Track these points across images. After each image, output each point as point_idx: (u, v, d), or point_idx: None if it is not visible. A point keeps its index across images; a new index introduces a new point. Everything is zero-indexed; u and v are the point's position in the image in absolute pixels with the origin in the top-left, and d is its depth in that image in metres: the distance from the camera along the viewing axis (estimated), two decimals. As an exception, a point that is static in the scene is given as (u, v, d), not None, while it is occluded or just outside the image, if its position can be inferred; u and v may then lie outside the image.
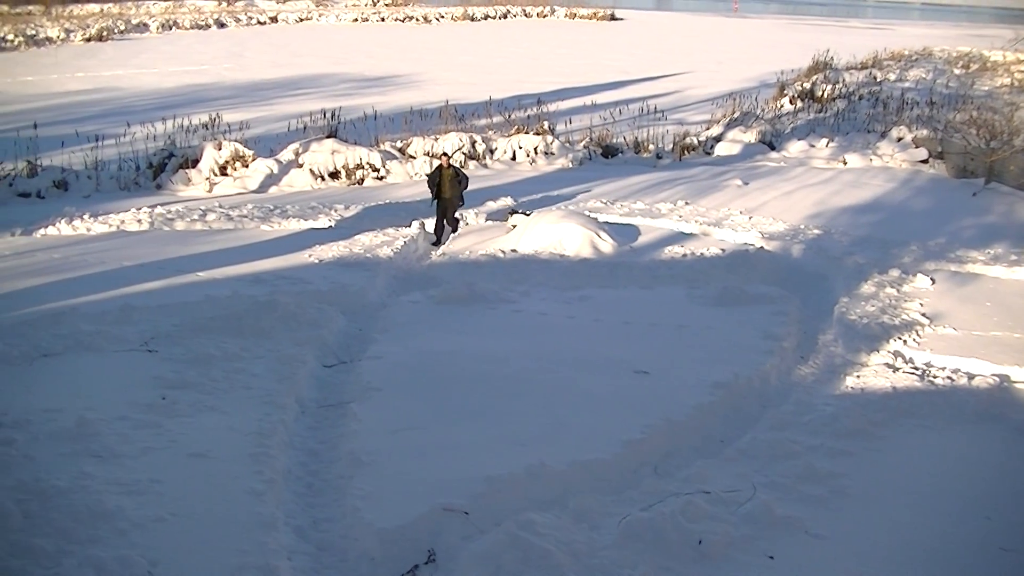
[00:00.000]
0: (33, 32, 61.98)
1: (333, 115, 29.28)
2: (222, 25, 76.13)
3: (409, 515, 9.11)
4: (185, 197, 24.29)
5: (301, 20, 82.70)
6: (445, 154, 21.28)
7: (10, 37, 59.14)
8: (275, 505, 9.37)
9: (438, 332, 14.65)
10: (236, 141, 26.58)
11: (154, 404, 11.40)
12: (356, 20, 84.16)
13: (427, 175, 21.46)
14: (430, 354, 13.61)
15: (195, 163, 25.69)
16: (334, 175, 26.16)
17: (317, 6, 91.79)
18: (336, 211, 22.20)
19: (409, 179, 26.54)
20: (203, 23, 74.88)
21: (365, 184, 26.06)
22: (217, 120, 30.49)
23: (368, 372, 12.95)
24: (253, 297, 15.41)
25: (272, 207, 22.59)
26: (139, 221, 20.94)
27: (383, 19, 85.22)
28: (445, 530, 9.00)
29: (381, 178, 26.47)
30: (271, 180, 25.62)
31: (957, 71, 50.37)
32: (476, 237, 20.29)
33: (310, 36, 68.79)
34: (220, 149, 25.96)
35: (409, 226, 20.62)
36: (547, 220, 19.92)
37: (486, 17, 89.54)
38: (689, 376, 12.97)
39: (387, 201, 23.42)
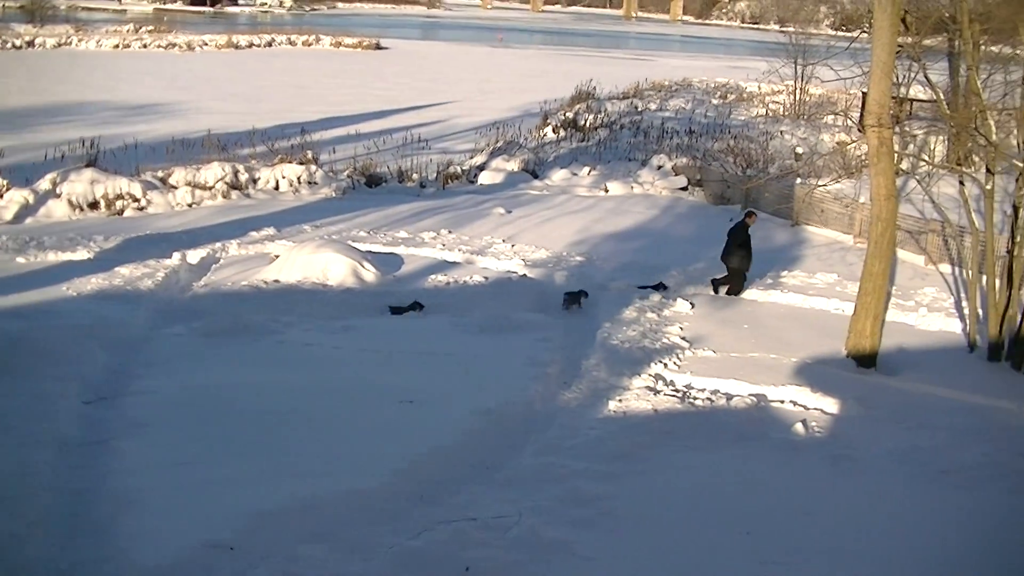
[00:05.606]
0: None
1: (93, 144, 28.30)
2: (-31, 49, 72.53)
3: (176, 553, 8.87)
4: (-69, 229, 22.93)
5: (60, 45, 79.28)
6: (752, 212, 20.74)
7: None
8: (37, 549, 8.90)
9: (204, 365, 14.31)
10: (-13, 170, 25.30)
11: None
12: (117, 46, 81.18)
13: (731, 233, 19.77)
14: (197, 388, 13.27)
15: (-59, 194, 24.29)
16: (94, 205, 25.18)
17: (76, 31, 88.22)
18: (95, 242, 21.33)
19: (170, 209, 25.80)
20: (-52, 46, 71.17)
21: (126, 215, 25.15)
22: (-33, 148, 29.02)
23: (133, 408, 12.53)
24: (7, 332, 14.65)
25: (28, 239, 21.49)
26: None
27: (145, 46, 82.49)
28: (215, 567, 8.76)
29: (142, 208, 25.61)
30: (27, 211, 24.39)
31: (715, 101, 52.30)
32: (238, 268, 19.84)
33: (70, 62, 66.17)
34: (-32, 178, 24.65)
35: (170, 257, 20.04)
36: (308, 250, 19.69)
37: (251, 45, 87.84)
38: (456, 403, 13.04)
39: (148, 232, 22.68)
